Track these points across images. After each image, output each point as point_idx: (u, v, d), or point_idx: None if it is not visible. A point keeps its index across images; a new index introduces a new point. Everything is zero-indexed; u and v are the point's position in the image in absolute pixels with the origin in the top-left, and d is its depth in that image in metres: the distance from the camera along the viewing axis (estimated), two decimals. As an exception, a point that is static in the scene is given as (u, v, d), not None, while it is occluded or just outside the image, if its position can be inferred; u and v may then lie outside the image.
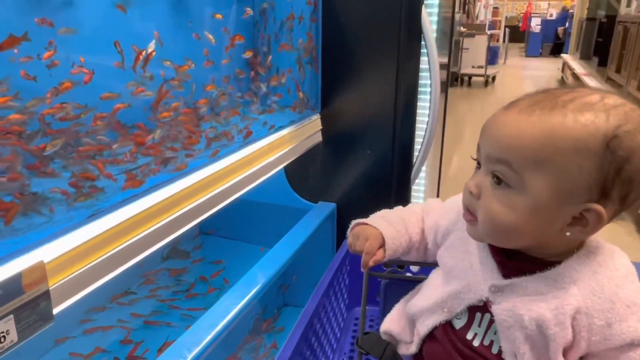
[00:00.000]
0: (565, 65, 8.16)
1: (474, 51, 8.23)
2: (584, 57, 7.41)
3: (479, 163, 0.66)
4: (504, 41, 11.45)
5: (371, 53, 1.41)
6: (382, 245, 0.77)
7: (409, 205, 0.87)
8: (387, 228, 0.78)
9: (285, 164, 1.38)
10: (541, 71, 9.95)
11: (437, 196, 2.20)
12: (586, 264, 0.62)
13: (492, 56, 9.64)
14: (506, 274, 0.66)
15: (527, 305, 0.62)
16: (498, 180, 0.61)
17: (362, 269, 0.76)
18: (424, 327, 0.73)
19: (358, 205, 1.56)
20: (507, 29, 11.69)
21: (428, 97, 1.44)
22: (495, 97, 7.31)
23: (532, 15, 13.17)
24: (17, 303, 0.60)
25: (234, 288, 1.11)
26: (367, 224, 0.80)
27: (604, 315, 0.60)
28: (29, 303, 0.62)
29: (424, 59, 1.44)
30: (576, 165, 0.56)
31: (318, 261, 1.62)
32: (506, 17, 14.10)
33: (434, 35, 1.37)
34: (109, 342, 1.31)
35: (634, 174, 0.56)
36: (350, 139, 1.51)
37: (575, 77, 6.49)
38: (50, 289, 0.65)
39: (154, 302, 1.49)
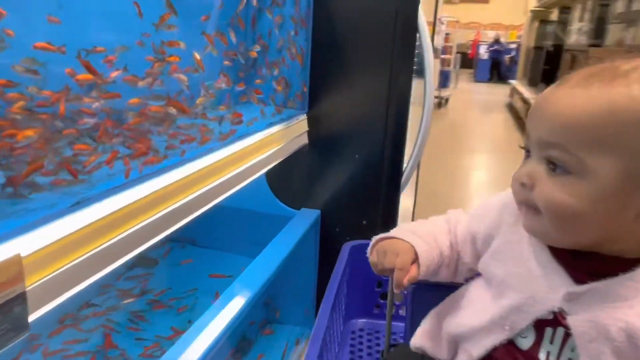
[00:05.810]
0: (513, 90, 8.51)
1: (428, 74, 8.46)
2: (532, 83, 7.75)
3: (527, 151, 0.59)
4: (455, 66, 11.82)
5: (364, 52, 1.34)
6: (415, 260, 0.68)
7: (430, 217, 0.79)
8: (418, 241, 0.70)
9: (268, 168, 1.27)
10: (491, 95, 10.32)
11: (414, 206, 2.15)
12: None
13: (444, 80, 9.93)
14: (578, 278, 0.57)
15: (611, 314, 0.54)
16: (554, 166, 0.54)
17: (395, 290, 0.67)
18: (478, 348, 0.64)
19: (344, 213, 1.47)
20: (458, 55, 12.09)
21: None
22: (449, 118, 7.50)
23: (480, 43, 13.71)
24: (-14, 307, 0.47)
25: (218, 303, 0.99)
26: (394, 237, 0.71)
27: None
28: None
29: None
30: None
31: (301, 273, 1.52)
32: (457, 45, 14.60)
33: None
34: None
35: None
36: (338, 142, 1.43)
37: (524, 101, 6.77)
38: (27, 290, 0.52)
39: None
